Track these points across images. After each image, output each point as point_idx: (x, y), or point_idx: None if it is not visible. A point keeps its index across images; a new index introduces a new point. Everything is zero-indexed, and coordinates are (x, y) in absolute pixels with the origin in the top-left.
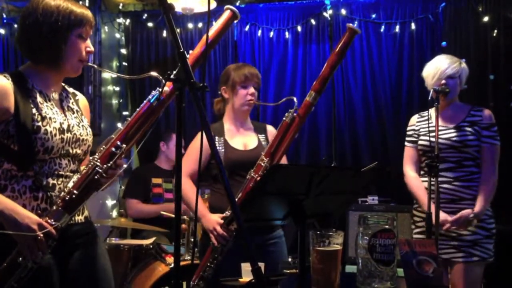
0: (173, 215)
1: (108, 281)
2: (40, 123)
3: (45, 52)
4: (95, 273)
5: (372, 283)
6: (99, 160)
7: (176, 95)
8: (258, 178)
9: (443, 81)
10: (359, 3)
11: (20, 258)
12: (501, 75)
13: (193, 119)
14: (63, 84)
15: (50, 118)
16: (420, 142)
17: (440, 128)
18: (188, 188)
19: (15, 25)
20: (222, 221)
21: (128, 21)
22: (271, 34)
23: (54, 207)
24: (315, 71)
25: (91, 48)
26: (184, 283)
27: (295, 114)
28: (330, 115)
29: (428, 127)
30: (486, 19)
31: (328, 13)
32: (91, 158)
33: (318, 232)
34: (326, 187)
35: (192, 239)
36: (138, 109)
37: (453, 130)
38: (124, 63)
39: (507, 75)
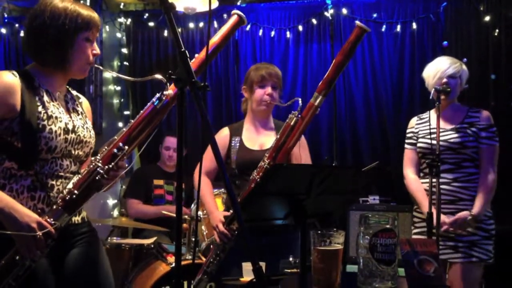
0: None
1: (109, 281)
2: (45, 122)
3: (52, 55)
4: (96, 273)
5: (373, 282)
6: (100, 161)
7: (178, 95)
8: (259, 180)
9: (445, 80)
10: (360, 2)
11: (18, 257)
12: (502, 74)
13: (194, 119)
14: (67, 86)
15: (56, 118)
16: (419, 145)
17: (439, 129)
18: (203, 185)
19: (16, 25)
20: (224, 220)
21: (129, 20)
22: (272, 33)
23: (54, 207)
24: (316, 71)
25: (98, 51)
26: (185, 283)
27: (298, 116)
28: (331, 115)
29: (430, 129)
30: (487, 18)
31: (329, 13)
32: (92, 159)
33: (319, 232)
34: (327, 187)
35: (193, 239)
36: (141, 111)
37: (451, 132)
38: (125, 63)
39: (508, 75)
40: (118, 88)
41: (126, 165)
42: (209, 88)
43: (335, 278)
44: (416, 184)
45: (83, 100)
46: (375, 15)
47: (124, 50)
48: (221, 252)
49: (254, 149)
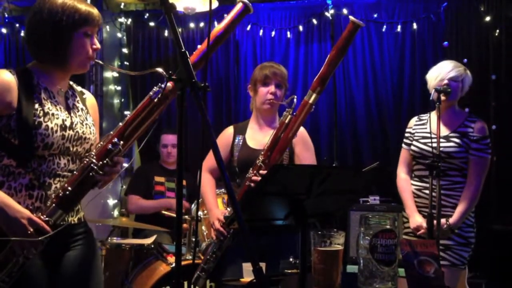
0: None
1: (99, 283)
2: (41, 119)
3: (51, 51)
4: (88, 279)
5: (373, 283)
6: (95, 157)
7: (178, 95)
8: (253, 177)
9: (446, 81)
10: (360, 2)
11: (12, 253)
12: (502, 74)
13: (194, 119)
14: (70, 82)
15: (52, 114)
16: (412, 147)
17: (433, 136)
18: (205, 181)
19: (17, 25)
20: (221, 217)
21: (129, 20)
22: (273, 33)
23: (48, 203)
24: (317, 71)
25: (98, 46)
26: (185, 283)
27: (292, 114)
28: (332, 115)
29: (428, 133)
30: (488, 18)
31: (329, 13)
32: (87, 154)
33: (319, 232)
34: (327, 187)
35: (194, 239)
36: (138, 106)
37: (442, 140)
38: (126, 63)
39: (509, 75)
40: (119, 87)
41: (124, 161)
42: (209, 89)
43: (335, 278)
44: (404, 184)
45: (88, 95)
46: (375, 15)
47: (125, 50)
48: (217, 250)
49: (256, 148)
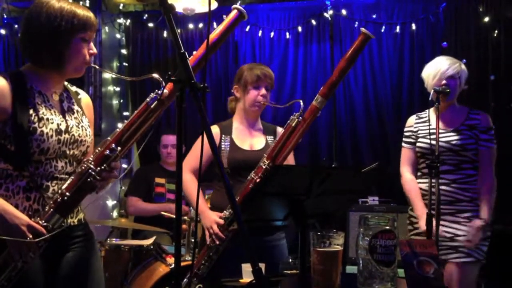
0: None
1: (99, 285)
2: (36, 124)
3: (48, 56)
4: (87, 280)
5: (372, 283)
6: (92, 162)
7: (177, 96)
8: (258, 180)
9: (444, 81)
10: (359, 3)
11: (10, 258)
12: (501, 75)
13: (193, 119)
14: (65, 83)
15: (47, 119)
16: (418, 144)
17: (439, 131)
18: (190, 182)
19: (16, 26)
20: (220, 220)
21: (128, 21)
22: (272, 34)
23: (46, 208)
24: (316, 72)
25: (94, 51)
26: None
27: (300, 118)
28: (331, 115)
29: (429, 129)
30: (486, 19)
31: (328, 14)
32: (85, 160)
33: (319, 233)
34: (327, 188)
35: (193, 240)
36: (135, 112)
37: (452, 134)
38: (125, 64)
39: (508, 76)
40: (118, 89)
41: (120, 166)
42: (209, 89)
43: (335, 279)
44: (411, 184)
45: (83, 95)
46: (374, 16)
47: (124, 51)
48: (213, 254)
49: (245, 149)
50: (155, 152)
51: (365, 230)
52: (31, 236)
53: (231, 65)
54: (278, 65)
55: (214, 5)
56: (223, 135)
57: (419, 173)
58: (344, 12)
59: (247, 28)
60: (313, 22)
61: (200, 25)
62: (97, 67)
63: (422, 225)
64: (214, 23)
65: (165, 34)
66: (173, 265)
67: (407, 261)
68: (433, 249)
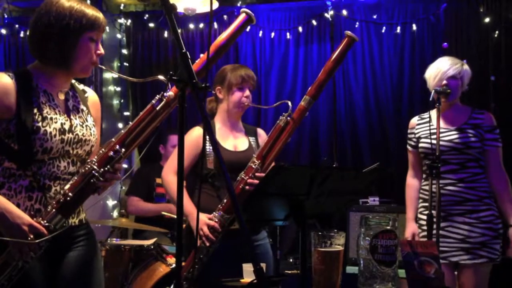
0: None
1: (100, 285)
2: (40, 124)
3: (55, 54)
4: (89, 281)
5: (373, 284)
6: (96, 163)
7: (179, 95)
8: (249, 180)
9: (444, 82)
10: (360, 4)
11: (11, 257)
12: (502, 76)
13: (193, 119)
14: (73, 81)
15: (51, 119)
16: (421, 145)
17: (441, 130)
18: (175, 184)
19: (16, 25)
20: (210, 222)
21: (129, 21)
22: (272, 34)
23: (49, 209)
24: (316, 72)
25: (101, 51)
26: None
27: (289, 118)
28: (331, 116)
29: (430, 129)
30: (487, 20)
31: (329, 14)
32: (88, 161)
33: (320, 233)
34: (327, 188)
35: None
36: (141, 113)
37: (455, 132)
38: (125, 64)
39: (508, 76)
40: (118, 88)
41: (122, 167)
42: (210, 89)
43: (336, 279)
44: (408, 190)
45: (90, 94)
46: (375, 16)
47: (124, 51)
48: (204, 255)
49: (230, 150)
50: (156, 152)
51: (366, 230)
52: (32, 236)
53: None
54: (279, 66)
55: (215, 5)
56: (207, 137)
57: (424, 175)
58: (344, 12)
59: (248, 29)
60: (314, 22)
61: (201, 25)
62: (103, 67)
63: (407, 232)
64: (215, 23)
65: (166, 34)
66: (173, 265)
67: (408, 261)
68: (434, 250)
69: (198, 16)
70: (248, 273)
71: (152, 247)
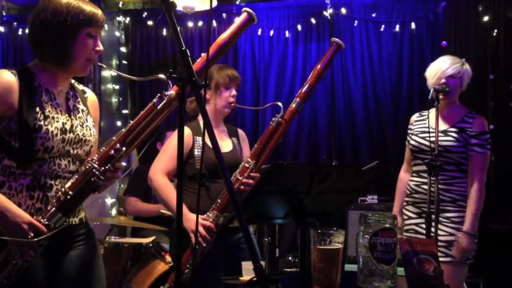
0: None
1: (101, 284)
2: (42, 122)
3: (53, 51)
4: (89, 280)
5: (372, 281)
6: (96, 162)
7: (178, 93)
8: (245, 180)
9: (443, 80)
10: (359, 2)
11: (11, 256)
12: (501, 74)
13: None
14: (72, 81)
15: (52, 118)
16: (411, 142)
17: (431, 130)
18: (165, 186)
19: (15, 23)
20: (205, 222)
21: (128, 19)
22: (271, 33)
23: (49, 207)
24: None
25: (100, 47)
26: None
27: (281, 119)
28: (330, 114)
29: (428, 128)
30: (486, 18)
31: (328, 12)
32: (89, 159)
33: (319, 231)
34: (327, 186)
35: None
36: (142, 112)
37: (440, 135)
38: (124, 62)
39: (507, 75)
40: (117, 86)
41: (123, 166)
42: (210, 87)
43: (335, 277)
44: (399, 184)
45: (89, 94)
46: (374, 15)
47: (123, 49)
48: (199, 256)
49: (222, 150)
50: (154, 151)
51: (365, 228)
52: (32, 235)
53: (230, 64)
54: (278, 64)
55: (214, 3)
56: (195, 136)
57: (411, 170)
58: (343, 10)
59: None
60: (313, 20)
61: (200, 23)
62: (104, 66)
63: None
64: (214, 22)
65: (164, 32)
66: (172, 263)
67: (407, 259)
68: (433, 248)
69: (197, 14)
70: (247, 271)
71: (150, 245)
